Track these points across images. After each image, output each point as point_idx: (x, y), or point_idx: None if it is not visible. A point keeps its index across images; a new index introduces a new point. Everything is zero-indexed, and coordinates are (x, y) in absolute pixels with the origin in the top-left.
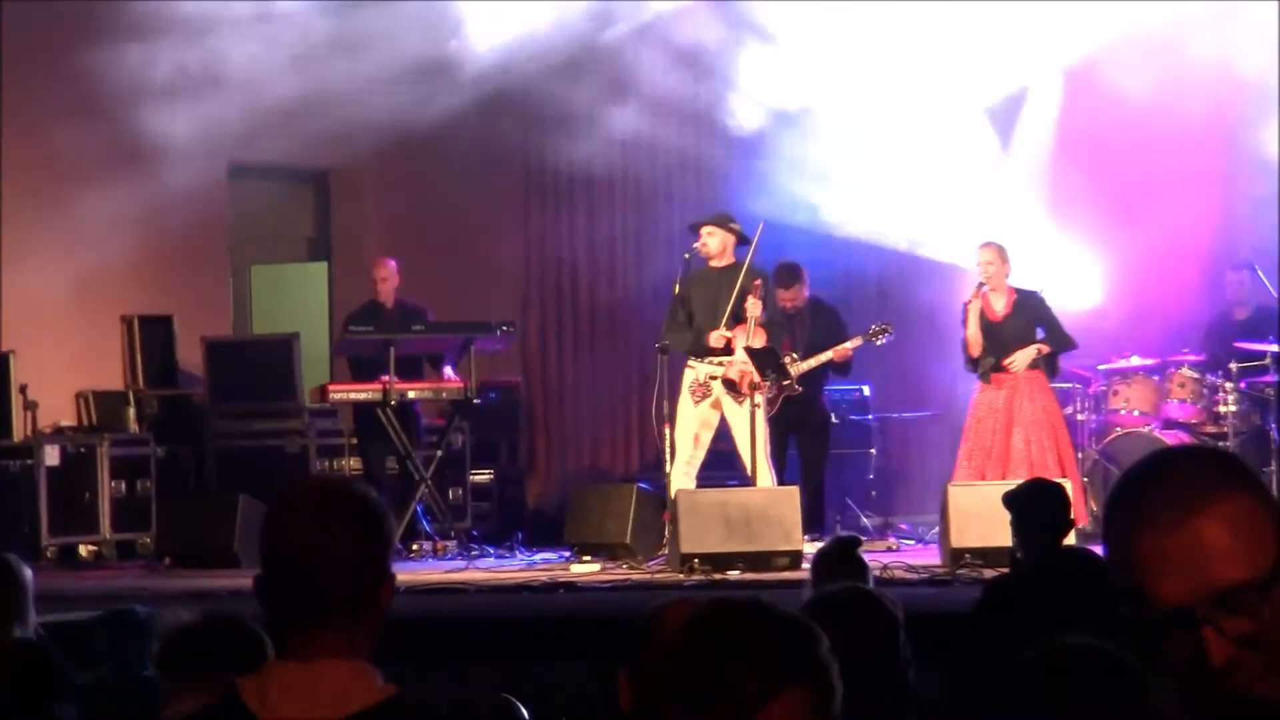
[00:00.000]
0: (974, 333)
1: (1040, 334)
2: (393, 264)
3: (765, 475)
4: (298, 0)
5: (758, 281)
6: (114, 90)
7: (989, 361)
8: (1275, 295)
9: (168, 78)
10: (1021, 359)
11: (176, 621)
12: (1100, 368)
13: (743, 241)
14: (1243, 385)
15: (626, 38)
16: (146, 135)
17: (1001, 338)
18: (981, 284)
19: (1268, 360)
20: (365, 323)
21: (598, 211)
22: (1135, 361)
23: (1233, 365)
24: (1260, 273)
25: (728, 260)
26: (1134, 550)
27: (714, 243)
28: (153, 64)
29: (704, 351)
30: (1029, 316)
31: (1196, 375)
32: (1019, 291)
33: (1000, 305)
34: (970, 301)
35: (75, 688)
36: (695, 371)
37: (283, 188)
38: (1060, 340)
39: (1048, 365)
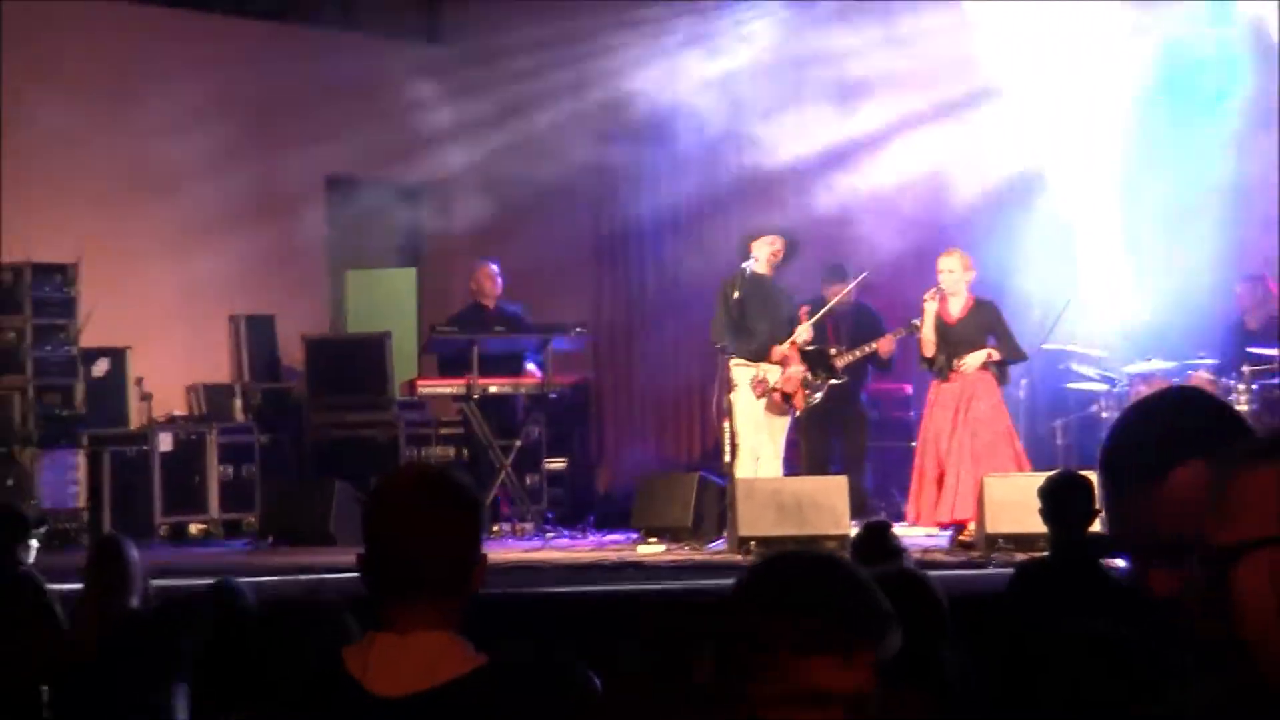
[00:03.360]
0: (929, 333)
1: (991, 341)
2: (495, 267)
3: (776, 467)
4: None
5: (805, 308)
6: (223, 105)
7: (941, 360)
8: None
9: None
10: (972, 361)
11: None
12: (1125, 369)
13: (790, 257)
14: (1255, 387)
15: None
16: (252, 149)
17: (953, 340)
18: (938, 288)
19: (1277, 365)
20: (466, 323)
21: (664, 225)
22: (1156, 364)
23: (1245, 369)
24: (1272, 283)
25: (773, 272)
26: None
27: (767, 252)
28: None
29: (763, 358)
30: (982, 323)
31: (1212, 377)
32: (977, 299)
33: (956, 309)
34: (926, 302)
35: (184, 653)
36: (754, 369)
37: (376, 199)
38: (1010, 350)
39: (999, 370)
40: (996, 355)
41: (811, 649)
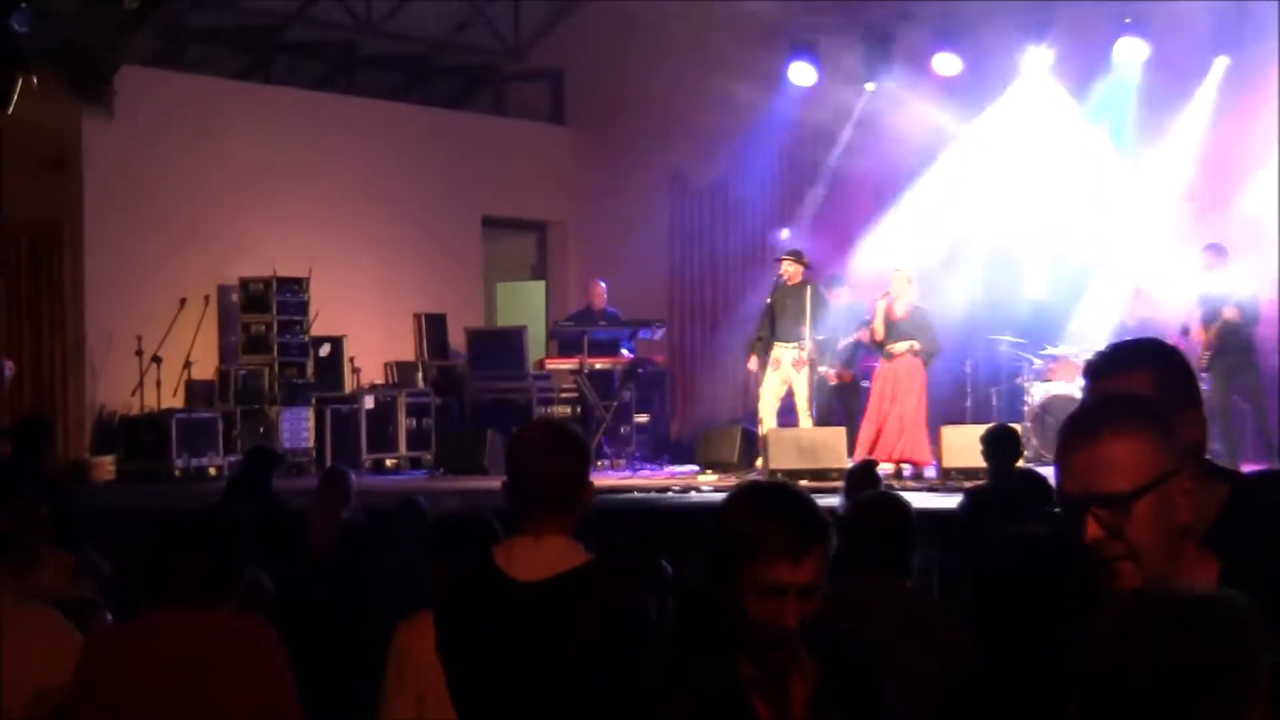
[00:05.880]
0: (878, 326)
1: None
2: (603, 284)
3: (807, 421)
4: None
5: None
6: (414, 165)
7: (886, 346)
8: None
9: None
10: (897, 347)
11: (445, 509)
12: (1041, 353)
13: (806, 267)
14: None
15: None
16: (432, 196)
17: (896, 333)
18: (887, 293)
19: None
20: (577, 320)
21: (718, 249)
22: (1063, 349)
23: None
24: (1148, 294)
25: (797, 280)
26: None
27: (791, 269)
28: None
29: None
30: (916, 323)
31: None
32: (915, 306)
33: (900, 310)
34: (876, 302)
35: (382, 554)
36: (773, 351)
37: (517, 232)
38: (929, 346)
39: (925, 357)
40: (917, 346)
41: (773, 554)
